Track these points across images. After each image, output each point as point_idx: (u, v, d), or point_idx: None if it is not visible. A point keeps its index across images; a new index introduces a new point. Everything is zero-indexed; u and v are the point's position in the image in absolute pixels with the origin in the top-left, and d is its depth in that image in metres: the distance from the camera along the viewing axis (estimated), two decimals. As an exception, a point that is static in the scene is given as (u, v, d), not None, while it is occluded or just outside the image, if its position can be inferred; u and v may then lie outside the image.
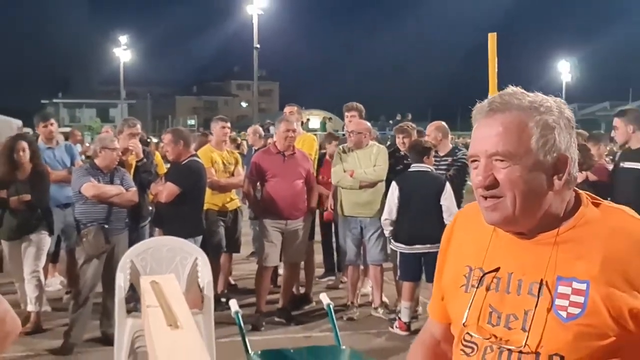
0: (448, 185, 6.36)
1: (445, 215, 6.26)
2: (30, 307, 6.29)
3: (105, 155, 6.00)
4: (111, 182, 5.99)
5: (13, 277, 6.78)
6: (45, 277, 7.44)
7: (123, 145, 6.56)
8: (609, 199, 6.02)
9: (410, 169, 6.53)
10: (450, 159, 7.03)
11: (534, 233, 1.57)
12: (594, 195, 1.61)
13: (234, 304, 4.27)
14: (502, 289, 1.58)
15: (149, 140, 10.09)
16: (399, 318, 6.47)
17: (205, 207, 6.75)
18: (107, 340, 5.71)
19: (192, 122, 53.26)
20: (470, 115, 1.63)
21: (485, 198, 1.56)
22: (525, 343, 1.50)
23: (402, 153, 7.23)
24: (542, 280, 1.51)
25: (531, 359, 1.50)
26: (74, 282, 6.62)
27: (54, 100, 71.33)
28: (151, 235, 6.68)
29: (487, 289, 1.60)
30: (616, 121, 6.00)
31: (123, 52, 53.75)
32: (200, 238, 6.22)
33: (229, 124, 7.64)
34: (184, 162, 6.32)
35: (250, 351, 3.97)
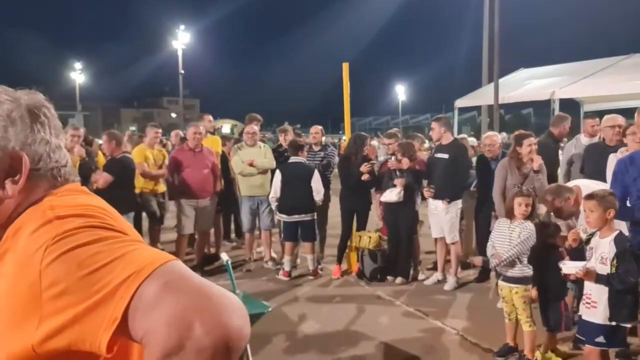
0: (316, 172, 6.34)
1: (314, 193, 6.25)
2: None
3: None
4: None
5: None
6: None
7: (69, 145, 6.13)
8: (424, 182, 6.21)
9: (289, 161, 6.45)
10: (322, 153, 7.00)
11: None
12: (70, 189, 0.98)
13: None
14: None
15: (94, 141, 9.41)
16: (283, 268, 6.40)
17: (139, 191, 6.59)
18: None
19: (133, 128, 50.99)
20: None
21: None
22: None
23: (283, 149, 7.13)
24: None
25: None
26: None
27: (22, 112, 66.08)
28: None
29: None
30: (433, 124, 6.15)
31: (78, 75, 51.26)
32: (132, 214, 5.92)
33: (160, 130, 7.27)
34: (117, 157, 5.96)
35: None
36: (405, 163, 6.03)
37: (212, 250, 7.30)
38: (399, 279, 6.13)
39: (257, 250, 7.30)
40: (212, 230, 7.10)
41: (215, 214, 6.98)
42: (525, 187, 4.32)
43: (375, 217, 7.08)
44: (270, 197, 6.40)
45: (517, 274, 3.98)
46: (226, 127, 40.40)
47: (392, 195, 6.02)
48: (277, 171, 6.38)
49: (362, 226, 6.58)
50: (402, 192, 5.98)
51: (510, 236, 4.02)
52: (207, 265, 6.71)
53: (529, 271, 3.96)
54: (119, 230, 0.87)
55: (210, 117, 7.76)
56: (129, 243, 0.84)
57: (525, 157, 5.17)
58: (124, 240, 0.84)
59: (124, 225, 0.92)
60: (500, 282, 4.11)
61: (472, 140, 9.94)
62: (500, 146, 6.09)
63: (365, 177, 6.29)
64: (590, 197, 3.44)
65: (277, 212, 6.46)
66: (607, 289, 3.30)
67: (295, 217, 6.24)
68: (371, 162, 6.52)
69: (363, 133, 7.07)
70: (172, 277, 0.78)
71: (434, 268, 6.43)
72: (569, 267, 3.43)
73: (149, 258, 0.80)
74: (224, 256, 4.21)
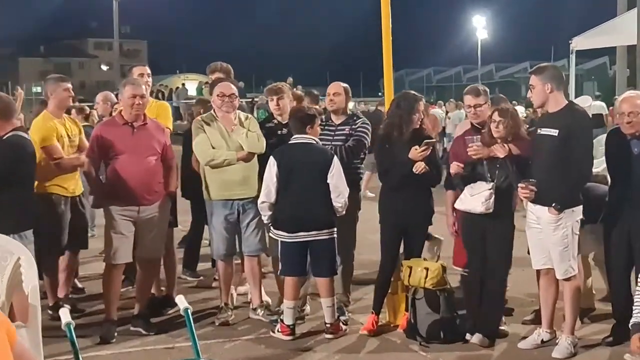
0: (336, 160, 6.33)
1: (333, 195, 6.23)
2: None
3: None
4: None
5: None
6: None
7: None
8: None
9: (291, 141, 6.45)
10: (347, 129, 7.00)
11: None
12: None
13: (64, 314, 4.06)
14: None
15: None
16: (282, 320, 6.40)
17: (50, 191, 6.72)
18: None
19: (38, 89, 51.58)
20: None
21: None
22: None
23: (275, 122, 7.15)
24: None
25: None
26: None
27: None
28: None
29: None
30: (533, 79, 6.07)
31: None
32: (29, 232, 5.92)
33: (70, 86, 7.25)
34: (2, 138, 5.96)
35: (84, 372, 3.80)
36: (503, 150, 5.94)
37: (163, 289, 7.37)
38: (477, 337, 6.11)
39: (238, 291, 7.34)
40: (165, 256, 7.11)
41: (169, 228, 7.03)
42: None
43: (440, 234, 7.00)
44: (259, 202, 6.42)
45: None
46: (191, 85, 40.80)
47: (476, 202, 6.03)
48: (271, 159, 6.38)
49: (415, 250, 6.58)
50: (494, 197, 5.97)
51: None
52: (155, 315, 6.76)
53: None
54: None
55: (148, 70, 7.77)
56: None
57: None
58: None
59: None
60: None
61: (599, 106, 9.86)
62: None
63: (419, 168, 6.26)
64: None
65: (272, 228, 6.48)
66: None
67: (302, 236, 6.26)
68: (428, 141, 6.45)
69: (412, 92, 7.02)
70: None
71: (535, 320, 6.41)
72: None
73: None
74: (182, 301, 4.19)
